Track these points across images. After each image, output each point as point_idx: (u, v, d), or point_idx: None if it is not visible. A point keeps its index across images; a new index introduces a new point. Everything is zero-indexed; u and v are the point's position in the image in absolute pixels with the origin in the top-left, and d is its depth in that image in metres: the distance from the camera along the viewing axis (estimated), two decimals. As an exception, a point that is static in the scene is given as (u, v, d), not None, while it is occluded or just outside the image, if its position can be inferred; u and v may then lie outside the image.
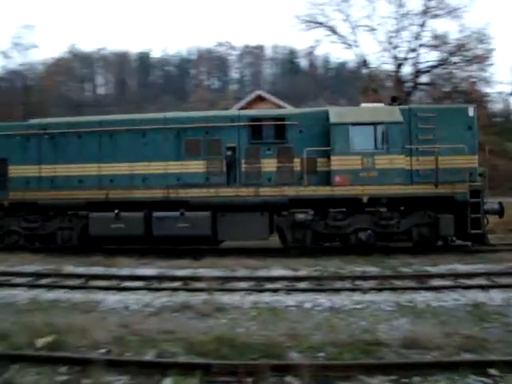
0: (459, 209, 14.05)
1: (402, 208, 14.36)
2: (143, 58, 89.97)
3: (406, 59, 30.13)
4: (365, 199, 14.06)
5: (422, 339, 6.47)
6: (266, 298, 9.32)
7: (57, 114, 34.48)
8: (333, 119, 14.31)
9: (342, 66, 72.93)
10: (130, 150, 15.28)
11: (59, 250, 15.35)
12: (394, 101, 15.72)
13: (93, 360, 5.73)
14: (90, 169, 15.49)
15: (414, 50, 29.80)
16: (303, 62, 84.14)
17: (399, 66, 30.24)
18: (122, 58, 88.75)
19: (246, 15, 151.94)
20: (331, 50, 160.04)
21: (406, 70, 30.53)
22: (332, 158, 14.22)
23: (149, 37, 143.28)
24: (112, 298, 9.46)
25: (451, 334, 6.78)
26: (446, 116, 14.48)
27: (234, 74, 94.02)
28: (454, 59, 28.85)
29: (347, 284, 10.50)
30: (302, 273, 11.80)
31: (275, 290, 9.96)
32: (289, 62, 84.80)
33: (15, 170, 15.97)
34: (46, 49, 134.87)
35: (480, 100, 30.25)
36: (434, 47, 29.54)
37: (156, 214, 14.71)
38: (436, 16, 29.03)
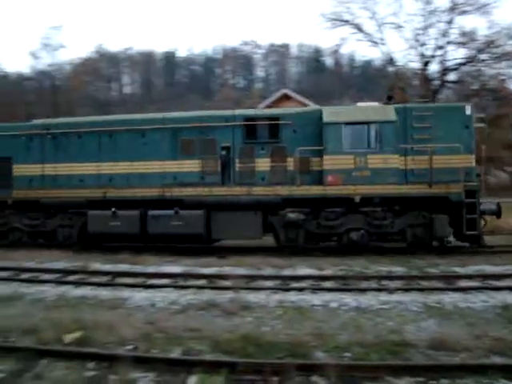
0: (455, 209, 13.81)
1: (396, 208, 14.13)
2: (169, 57, 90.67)
3: (433, 57, 29.76)
4: (357, 199, 13.98)
5: (450, 341, 6.37)
6: (292, 296, 9.27)
7: (84, 113, 34.95)
8: (326, 119, 14.27)
9: (367, 64, 72.44)
10: (128, 150, 15.56)
11: (85, 248, 15.62)
12: (389, 100, 15.51)
13: (120, 356, 5.78)
14: (90, 168, 15.87)
15: (441, 48, 29.42)
16: (329, 61, 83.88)
17: (426, 63, 29.87)
18: (147, 58, 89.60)
19: (272, 14, 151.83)
20: (357, 48, 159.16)
21: (433, 67, 30.16)
22: (324, 157, 14.20)
23: (174, 36, 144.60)
24: (138, 296, 9.53)
25: (480, 336, 6.66)
26: (443, 115, 14.22)
27: (259, 73, 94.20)
28: (483, 56, 28.38)
29: (373, 284, 10.39)
30: (328, 272, 11.71)
31: (301, 289, 9.91)
32: (314, 61, 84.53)
33: (19, 169, 16.44)
34: (74, 49, 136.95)
35: (509, 98, 29.75)
36: (462, 44, 29.11)
37: (151, 212, 14.95)
38: (464, 12, 28.59)
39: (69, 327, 7.02)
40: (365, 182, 13.91)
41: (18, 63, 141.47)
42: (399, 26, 30.13)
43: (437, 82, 29.85)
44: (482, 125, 15.11)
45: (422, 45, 29.74)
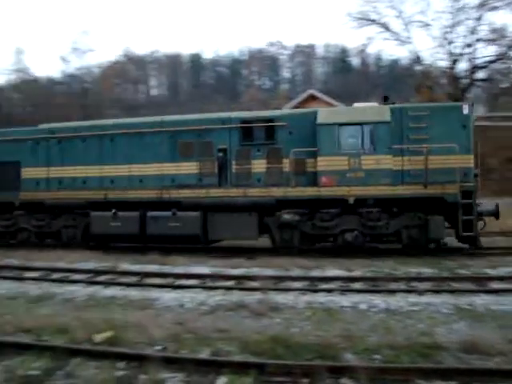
0: (451, 210, 13.59)
1: (392, 209, 14.00)
2: (195, 59, 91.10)
3: (461, 55, 29.28)
4: (351, 200, 13.90)
5: (483, 344, 6.22)
6: (321, 298, 9.22)
7: (112, 115, 35.32)
8: (320, 120, 14.23)
9: (394, 63, 71.59)
10: (129, 153, 15.92)
11: (116, 248, 15.81)
12: (385, 100, 15.31)
13: (149, 356, 5.81)
14: (93, 170, 16.30)
15: (470, 45, 28.92)
16: (355, 61, 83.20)
17: (454, 61, 29.41)
18: (174, 60, 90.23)
19: (297, 14, 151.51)
20: (383, 47, 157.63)
21: (462, 65, 29.69)
22: (318, 158, 14.18)
23: (200, 39, 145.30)
24: (167, 296, 9.58)
25: (514, 339, 6.52)
26: (439, 114, 13.99)
27: (286, 74, 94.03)
28: (513, 53, 27.88)
29: (402, 285, 10.26)
30: (357, 273, 11.62)
31: (329, 290, 9.86)
32: (340, 61, 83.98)
33: (27, 172, 16.99)
34: (102, 53, 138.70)
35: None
36: (492, 41, 28.58)
37: (150, 213, 15.26)
38: (494, 8, 28.06)
39: (99, 327, 7.09)
40: (359, 183, 13.88)
41: (49, 68, 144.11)
42: (427, 25, 29.76)
43: (465, 81, 29.37)
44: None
45: (450, 43, 29.31)
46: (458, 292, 9.53)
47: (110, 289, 10.55)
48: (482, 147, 14.35)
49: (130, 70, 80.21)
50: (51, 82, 58.97)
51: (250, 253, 14.50)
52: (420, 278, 10.79)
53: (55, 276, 12.09)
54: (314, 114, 14.52)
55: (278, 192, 14.45)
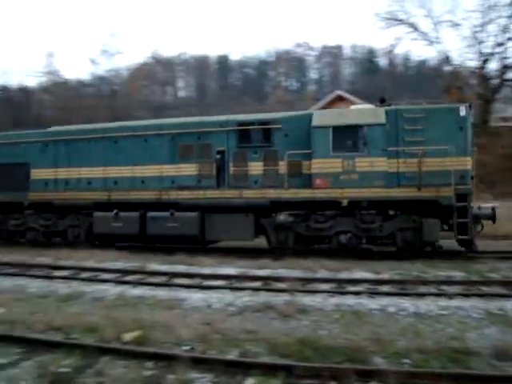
0: (447, 213, 13.43)
1: (386, 211, 13.97)
2: (222, 61, 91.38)
3: (492, 54, 28.85)
4: (345, 202, 13.94)
5: (516, 350, 6.11)
6: (349, 300, 9.14)
7: (140, 116, 35.68)
8: (314, 122, 14.30)
9: (422, 64, 70.83)
10: (131, 155, 16.34)
11: (143, 249, 16.00)
12: (382, 102, 15.18)
13: (178, 356, 5.83)
14: (97, 172, 16.83)
15: (501, 44, 28.49)
16: (382, 61, 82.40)
17: (485, 61, 29.01)
18: (201, 62, 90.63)
19: (324, 15, 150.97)
20: (411, 47, 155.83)
21: (492, 65, 29.24)
22: (313, 160, 14.27)
23: (228, 40, 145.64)
24: (195, 296, 9.62)
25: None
26: (436, 116, 13.81)
27: (313, 75, 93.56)
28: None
29: (432, 289, 10.10)
30: (384, 276, 11.50)
31: (357, 293, 9.76)
32: (368, 62, 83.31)
33: (36, 173, 17.63)
34: (131, 55, 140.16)
35: None
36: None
37: (150, 214, 15.69)
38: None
39: (127, 326, 7.16)
40: (352, 185, 13.88)
41: (79, 70, 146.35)
42: (456, 24, 29.50)
43: (496, 81, 28.87)
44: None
45: (481, 42, 28.96)
46: (488, 296, 9.33)
47: (138, 288, 10.62)
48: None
49: (157, 72, 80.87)
50: (81, 84, 59.89)
51: (276, 254, 14.44)
52: (450, 282, 10.61)
53: (84, 275, 12.25)
54: (310, 116, 14.66)
55: (272, 194, 14.65)
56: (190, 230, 15.17)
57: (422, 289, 10.08)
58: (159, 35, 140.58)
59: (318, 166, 14.22)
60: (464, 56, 30.54)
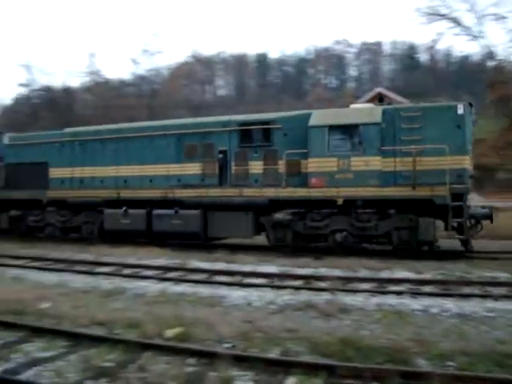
0: (444, 213, 13.20)
1: (384, 210, 13.86)
2: (261, 59, 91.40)
3: (538, 48, 27.92)
4: (340, 201, 14.09)
5: None
6: (390, 300, 8.99)
7: (180, 115, 35.96)
8: (311, 122, 14.50)
9: (465, 59, 69.29)
10: (140, 154, 17.10)
11: (183, 246, 16.13)
12: (380, 101, 15.21)
13: (220, 354, 5.83)
14: (109, 171, 17.70)
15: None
16: (423, 57, 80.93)
17: (531, 55, 28.09)
18: (241, 60, 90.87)
19: (364, 12, 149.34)
20: (454, 42, 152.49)
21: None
22: (309, 159, 14.49)
23: (267, 38, 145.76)
24: (235, 294, 9.61)
25: None
26: (433, 115, 13.72)
27: (352, 72, 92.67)
28: None
29: (476, 290, 9.84)
30: (426, 276, 11.28)
31: (399, 293, 9.59)
32: (408, 58, 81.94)
33: (53, 172, 18.79)
34: (171, 54, 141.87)
35: None
36: None
37: (155, 211, 16.41)
38: None
39: (169, 322, 7.20)
40: (348, 184, 14.02)
41: (120, 70, 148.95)
42: (501, 17, 28.57)
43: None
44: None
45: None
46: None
47: (179, 285, 10.71)
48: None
49: (197, 71, 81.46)
50: (122, 84, 60.82)
51: (317, 253, 14.40)
52: (495, 283, 10.33)
53: (126, 271, 12.45)
54: (309, 116, 14.81)
55: (271, 192, 14.99)
56: (192, 227, 15.77)
57: (466, 289, 9.85)
58: (199, 34, 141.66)
59: (314, 165, 14.43)
60: (508, 50, 29.60)
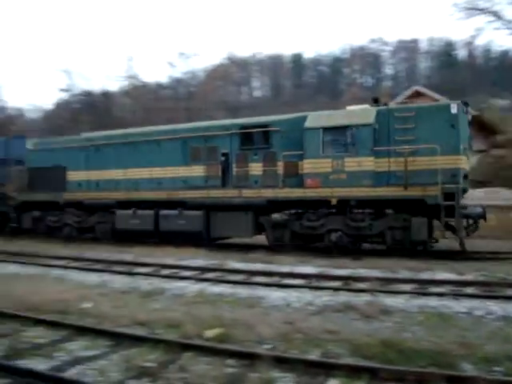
0: (437, 212, 13.06)
1: (379, 210, 13.99)
2: (296, 59, 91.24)
3: None
4: (334, 201, 14.33)
5: None
6: (432, 302, 8.80)
7: (216, 117, 36.19)
8: (306, 124, 14.80)
9: (504, 54, 67.75)
10: (150, 158, 17.79)
11: (220, 246, 16.19)
12: (375, 102, 15.11)
13: (260, 355, 5.80)
14: (121, 173, 18.56)
15: None
16: (461, 54, 79.37)
17: None
18: (276, 61, 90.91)
19: (399, 9, 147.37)
20: (493, 37, 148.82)
21: None
22: (304, 161, 14.82)
23: (302, 38, 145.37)
24: (274, 295, 9.57)
25: None
26: (426, 115, 13.71)
27: (388, 71, 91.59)
28: None
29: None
30: (468, 277, 11.01)
31: (441, 295, 9.39)
32: (446, 55, 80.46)
33: (71, 175, 19.85)
34: (207, 56, 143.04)
35: None
36: None
37: (162, 212, 17.14)
38: None
39: (208, 323, 7.22)
40: (342, 184, 14.23)
41: (157, 73, 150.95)
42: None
43: None
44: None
45: None
46: None
47: (217, 286, 10.74)
48: None
49: (233, 73, 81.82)
50: (159, 87, 61.53)
51: (355, 254, 14.28)
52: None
53: (164, 272, 12.55)
54: (305, 118, 15.07)
55: (269, 193, 15.38)
56: (196, 226, 16.43)
57: (510, 291, 9.56)
58: (234, 36, 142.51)
59: (309, 166, 14.74)
60: (552, 44, 28.70)
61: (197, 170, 16.93)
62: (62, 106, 57.65)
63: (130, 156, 18.30)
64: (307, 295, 9.51)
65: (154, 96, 55.01)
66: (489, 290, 9.70)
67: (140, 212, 17.59)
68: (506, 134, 26.26)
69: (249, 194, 15.70)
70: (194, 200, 16.54)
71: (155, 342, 6.48)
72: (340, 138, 14.40)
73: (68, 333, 7.19)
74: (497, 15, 29.04)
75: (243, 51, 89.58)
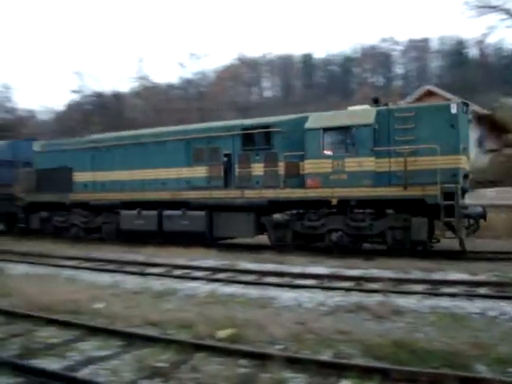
0: (438, 212, 12.98)
1: (380, 210, 13.94)
2: (307, 59, 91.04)
3: None
4: (334, 201, 14.39)
5: None
6: (445, 302, 8.75)
7: (227, 117, 36.21)
8: (307, 125, 14.86)
9: (517, 52, 67.06)
10: (154, 159, 17.97)
11: (230, 246, 16.24)
12: (375, 102, 15.07)
13: (272, 356, 5.80)
14: (126, 174, 18.69)
15: None
16: (472, 52, 78.71)
17: None
18: (286, 61, 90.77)
19: (409, 8, 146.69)
20: (505, 35, 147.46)
21: None
22: (305, 161, 14.89)
23: (312, 38, 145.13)
24: (285, 295, 9.57)
25: None
26: (426, 115, 13.69)
27: (399, 70, 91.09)
28: None
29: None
30: (481, 277, 10.93)
31: (453, 295, 9.33)
32: (457, 54, 79.87)
33: (77, 176, 20.07)
34: (217, 57, 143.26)
35: None
36: None
37: (165, 212, 17.29)
38: None
39: (220, 323, 7.22)
40: (342, 184, 14.29)
41: (167, 74, 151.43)
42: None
43: None
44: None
45: None
46: None
47: (229, 286, 10.75)
48: None
49: (243, 73, 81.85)
50: (170, 88, 61.74)
51: (367, 254, 14.28)
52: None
53: (176, 273, 12.58)
54: (306, 119, 15.14)
55: (270, 193, 15.48)
56: (199, 227, 16.57)
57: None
58: (244, 37, 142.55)
59: (310, 166, 14.81)
60: None
61: (200, 171, 17.07)
62: (73, 108, 57.95)
63: (135, 157, 18.50)
64: (319, 295, 9.50)
65: (165, 97, 55.21)
66: (502, 291, 9.63)
67: (144, 212, 17.79)
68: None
69: (251, 194, 15.81)
70: (197, 200, 16.70)
71: (167, 343, 6.50)
72: (340, 138, 14.50)
73: (80, 333, 7.23)
74: (509, 13, 28.83)
75: (253, 51, 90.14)
